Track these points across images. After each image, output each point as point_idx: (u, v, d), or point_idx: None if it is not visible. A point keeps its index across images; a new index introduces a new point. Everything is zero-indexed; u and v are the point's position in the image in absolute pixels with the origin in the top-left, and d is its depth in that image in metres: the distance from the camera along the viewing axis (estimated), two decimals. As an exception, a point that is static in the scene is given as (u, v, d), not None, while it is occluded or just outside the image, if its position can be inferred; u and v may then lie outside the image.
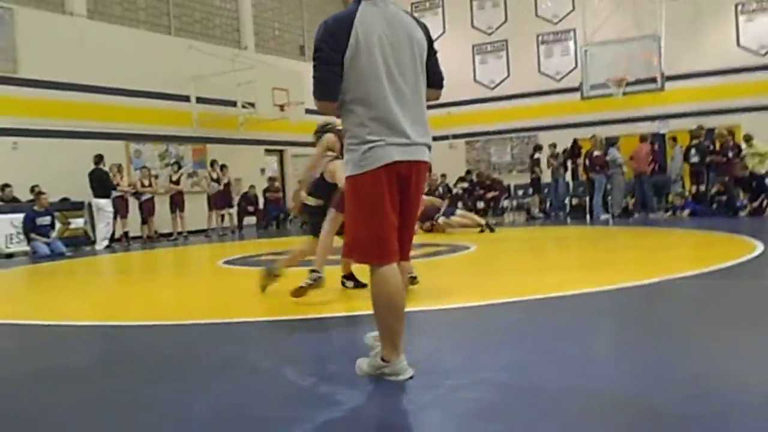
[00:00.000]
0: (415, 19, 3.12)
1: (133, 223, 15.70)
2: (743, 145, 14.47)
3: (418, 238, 11.67)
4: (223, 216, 17.19)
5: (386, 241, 2.97)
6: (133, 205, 15.56)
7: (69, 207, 14.53)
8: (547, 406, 2.69)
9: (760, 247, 7.56)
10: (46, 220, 13.00)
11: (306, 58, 21.73)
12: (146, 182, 15.67)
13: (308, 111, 18.42)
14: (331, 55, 2.91)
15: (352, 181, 2.98)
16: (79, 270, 10.49)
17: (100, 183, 14.33)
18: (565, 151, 17.33)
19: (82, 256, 12.86)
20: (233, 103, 18.16)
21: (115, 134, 16.29)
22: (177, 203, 16.13)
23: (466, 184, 19.19)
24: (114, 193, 14.65)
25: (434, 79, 3.17)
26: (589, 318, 4.49)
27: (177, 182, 16.28)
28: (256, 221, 18.43)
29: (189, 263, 11.10)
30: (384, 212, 2.94)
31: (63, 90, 15.38)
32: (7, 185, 14.01)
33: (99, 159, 14.48)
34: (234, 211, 17.60)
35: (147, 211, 15.62)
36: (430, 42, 3.14)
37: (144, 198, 15.57)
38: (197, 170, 17.97)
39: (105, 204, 14.30)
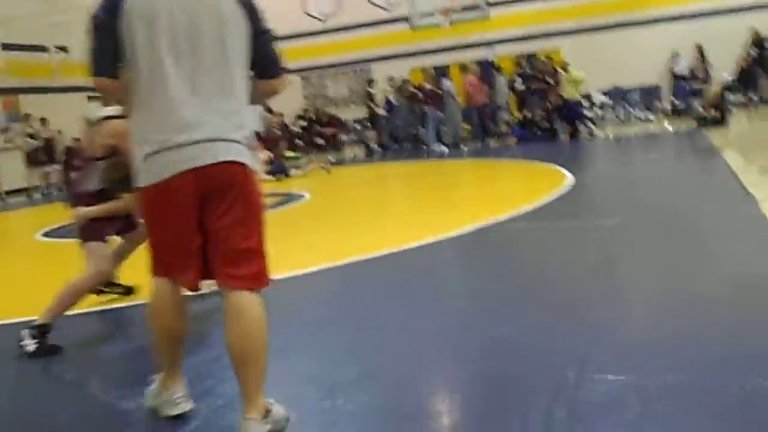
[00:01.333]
0: None
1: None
2: (561, 72, 15.23)
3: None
4: (48, 173, 15.96)
5: (164, 256, 2.51)
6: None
7: None
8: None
9: (570, 180, 8.09)
10: None
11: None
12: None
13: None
14: (106, 21, 2.36)
15: (137, 193, 2.56)
16: None
17: None
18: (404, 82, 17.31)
19: None
20: (44, 48, 16.72)
21: None
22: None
23: (304, 123, 19.01)
24: None
25: (261, 67, 2.53)
26: (407, 279, 4.60)
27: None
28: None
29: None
30: (165, 227, 2.47)
31: None
32: None
33: None
34: (59, 167, 16.36)
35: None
36: (254, 18, 2.47)
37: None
38: (10, 125, 16.46)
39: None
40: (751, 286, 3.59)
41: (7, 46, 16.39)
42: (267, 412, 2.37)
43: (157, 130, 2.38)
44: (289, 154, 17.26)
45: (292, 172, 12.88)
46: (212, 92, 2.39)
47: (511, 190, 8.78)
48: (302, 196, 9.61)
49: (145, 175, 2.42)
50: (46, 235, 8.67)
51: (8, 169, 15.38)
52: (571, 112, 14.34)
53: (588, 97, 16.74)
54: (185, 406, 2.64)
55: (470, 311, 3.84)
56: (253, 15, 2.46)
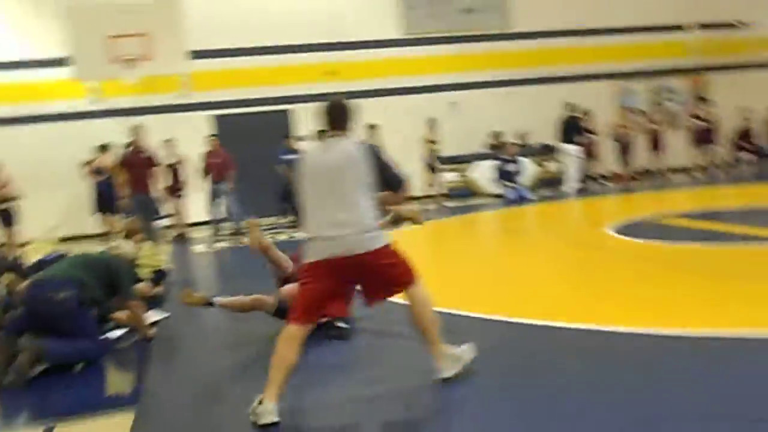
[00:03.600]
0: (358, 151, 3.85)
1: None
2: None
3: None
4: (713, 154, 15.99)
5: (296, 308, 3.77)
6: (610, 145, 15.84)
7: (543, 151, 15.73)
8: None
9: None
10: (512, 167, 14.45)
11: None
12: (624, 123, 15.72)
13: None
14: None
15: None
16: (494, 223, 11.66)
17: (569, 130, 14.98)
18: None
19: (551, 199, 14.01)
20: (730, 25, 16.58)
21: (599, 75, 16.72)
22: (655, 141, 15.80)
23: None
24: (584, 138, 15.14)
25: (389, 183, 3.94)
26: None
27: (655, 121, 15.87)
28: (756, 159, 16.38)
29: (572, 225, 11.05)
30: (308, 291, 3.75)
31: (551, 37, 16.48)
32: (499, 132, 15.93)
33: (570, 107, 15.14)
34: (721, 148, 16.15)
35: (625, 151, 15.69)
36: (376, 160, 3.86)
37: (621, 140, 15.66)
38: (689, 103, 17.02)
39: (572, 150, 14.94)
40: None
41: (706, 26, 16.87)
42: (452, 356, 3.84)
43: (312, 230, 3.81)
44: None
45: None
46: (342, 206, 3.73)
47: None
48: None
49: (307, 255, 3.81)
50: (618, 231, 9.04)
51: (676, 146, 16.14)
52: None
53: None
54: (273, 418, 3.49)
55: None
56: (375, 159, 3.85)
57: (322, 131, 4.05)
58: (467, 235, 11.14)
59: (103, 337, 5.44)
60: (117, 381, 4.90)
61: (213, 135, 13.43)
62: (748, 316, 4.60)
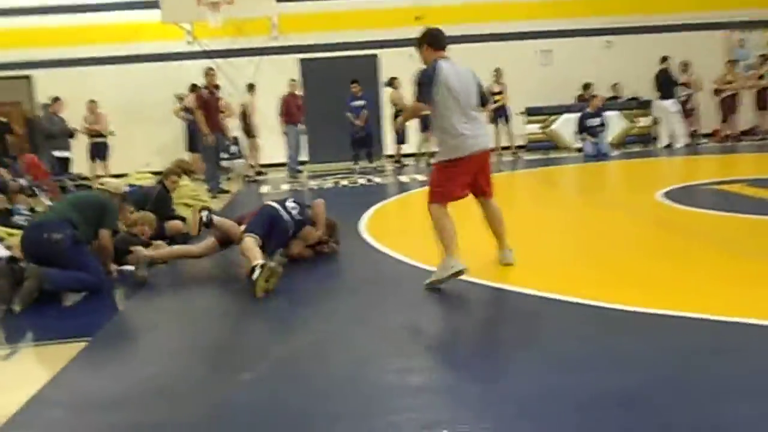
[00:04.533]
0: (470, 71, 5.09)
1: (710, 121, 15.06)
2: None
3: None
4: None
5: (440, 195, 4.89)
6: (709, 102, 14.82)
7: (636, 106, 14.93)
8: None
9: None
10: (595, 121, 13.86)
11: None
12: (730, 77, 14.59)
13: None
14: (427, 83, 4.81)
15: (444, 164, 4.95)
16: (576, 177, 11.27)
17: (664, 84, 14.12)
18: None
19: (634, 156, 13.40)
20: None
21: (708, 24, 15.55)
22: (763, 99, 14.57)
23: None
24: (681, 92, 14.24)
25: (482, 101, 5.15)
26: None
27: (762, 76, 14.59)
28: None
29: (626, 187, 10.43)
30: (457, 180, 4.89)
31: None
32: (588, 84, 15.26)
33: (664, 59, 14.22)
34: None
35: (727, 108, 14.64)
36: (480, 85, 5.14)
37: (724, 95, 14.60)
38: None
39: (668, 105, 14.12)
40: None
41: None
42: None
43: (460, 130, 4.87)
44: None
45: None
46: (472, 115, 4.93)
47: None
48: None
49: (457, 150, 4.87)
50: (666, 194, 8.56)
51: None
52: None
53: None
54: (461, 266, 4.66)
55: None
56: (479, 85, 5.14)
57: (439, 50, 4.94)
58: (518, 189, 10.85)
59: (120, 269, 5.97)
60: (97, 311, 5.21)
61: (293, 79, 13.77)
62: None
